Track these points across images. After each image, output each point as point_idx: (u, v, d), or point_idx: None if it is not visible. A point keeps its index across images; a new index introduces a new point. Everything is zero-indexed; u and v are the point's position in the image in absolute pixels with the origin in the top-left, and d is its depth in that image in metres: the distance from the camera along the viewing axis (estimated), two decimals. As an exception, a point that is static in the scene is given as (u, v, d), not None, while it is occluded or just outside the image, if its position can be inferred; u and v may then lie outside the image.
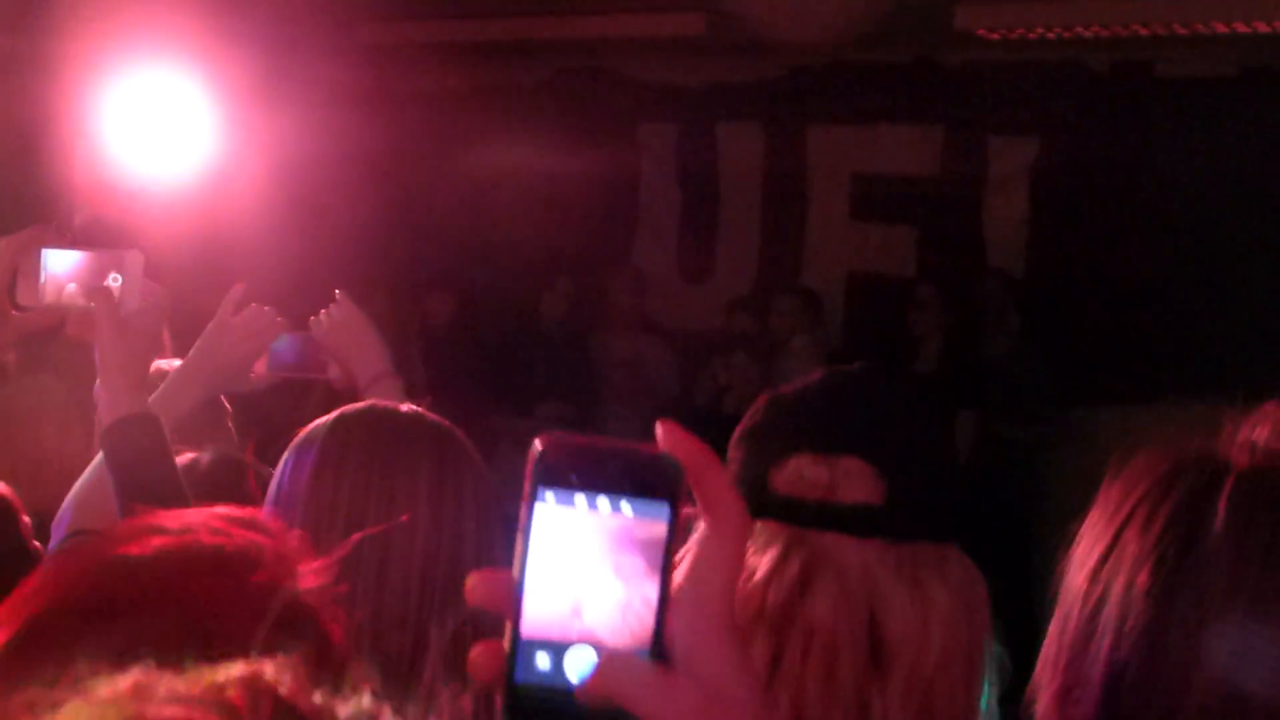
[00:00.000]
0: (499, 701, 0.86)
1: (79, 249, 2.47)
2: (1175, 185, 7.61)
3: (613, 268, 8.43)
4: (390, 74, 8.40)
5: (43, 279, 2.44)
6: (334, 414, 1.98)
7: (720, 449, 4.17)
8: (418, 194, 8.82)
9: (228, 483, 2.44)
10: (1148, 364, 7.65)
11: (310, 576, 1.01)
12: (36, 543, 2.79)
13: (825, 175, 8.40)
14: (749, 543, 1.50)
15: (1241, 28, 6.49)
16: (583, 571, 0.86)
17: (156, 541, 0.98)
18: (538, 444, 0.87)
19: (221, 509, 1.05)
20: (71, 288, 2.46)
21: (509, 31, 7.49)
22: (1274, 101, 7.38)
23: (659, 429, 0.88)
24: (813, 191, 8.45)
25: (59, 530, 2.49)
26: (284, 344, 2.77)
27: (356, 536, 1.61)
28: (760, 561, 1.51)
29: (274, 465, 2.01)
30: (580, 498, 0.86)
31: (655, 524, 0.86)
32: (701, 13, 6.94)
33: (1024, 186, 7.95)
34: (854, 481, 1.55)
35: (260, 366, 2.74)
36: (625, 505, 0.86)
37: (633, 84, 8.65)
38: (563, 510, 0.86)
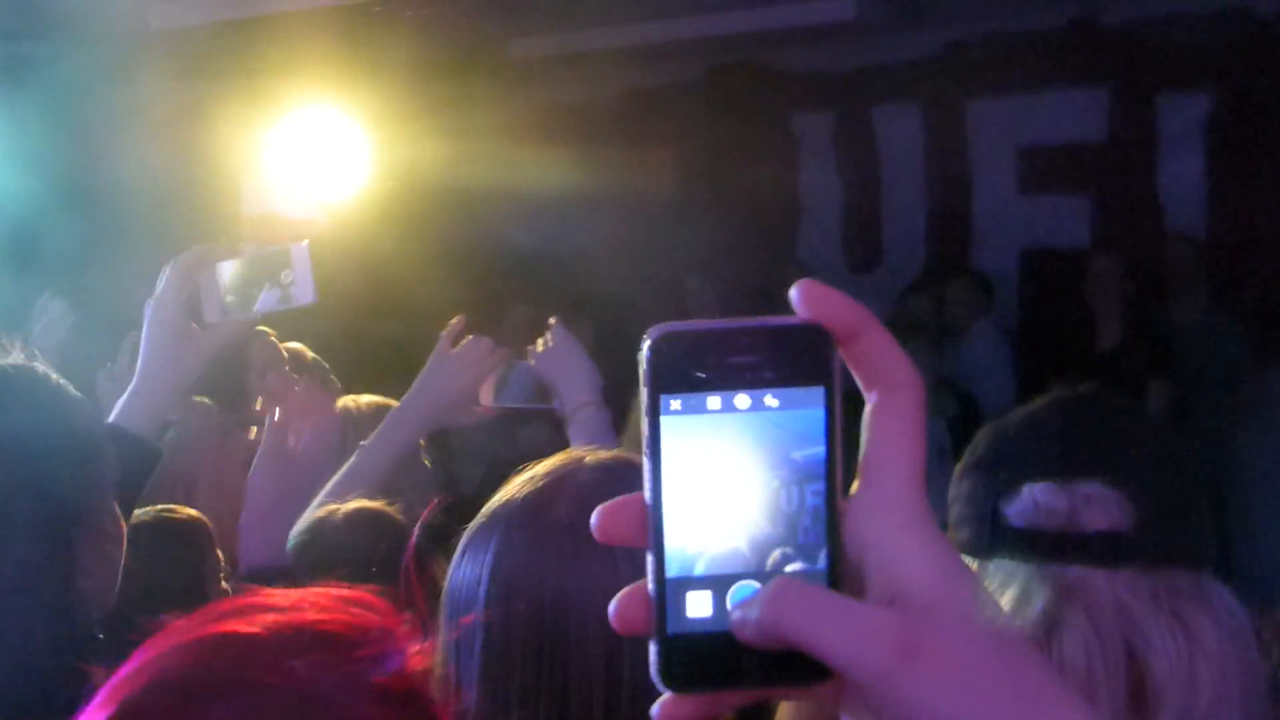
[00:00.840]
0: (653, 658, 0.71)
1: (247, 253, 2.48)
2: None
3: (778, 263, 8.32)
4: (541, 88, 8.43)
5: (222, 291, 2.46)
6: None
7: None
8: (579, 207, 8.83)
9: (363, 541, 2.37)
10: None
11: (418, 658, 0.96)
12: (225, 585, 2.77)
13: (989, 150, 8.21)
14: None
15: None
16: (730, 488, 0.70)
17: (264, 619, 0.94)
18: (648, 341, 0.71)
19: (333, 588, 1.01)
20: (266, 292, 2.46)
21: (658, 33, 7.44)
22: None
23: (797, 291, 0.72)
24: (977, 168, 8.26)
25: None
26: (512, 375, 2.76)
27: (469, 619, 1.57)
28: (1000, 604, 1.38)
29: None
30: (713, 398, 0.71)
31: (810, 414, 0.70)
32: (850, -2, 6.83)
33: (1198, 144, 7.68)
34: (1096, 508, 1.43)
35: (486, 398, 2.72)
36: (770, 397, 0.71)
37: (784, 75, 8.55)
38: (693, 417, 0.70)
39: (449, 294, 7.41)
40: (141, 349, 2.41)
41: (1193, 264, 7.36)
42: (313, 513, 2.53)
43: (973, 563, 1.46)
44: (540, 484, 1.75)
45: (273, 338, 4.07)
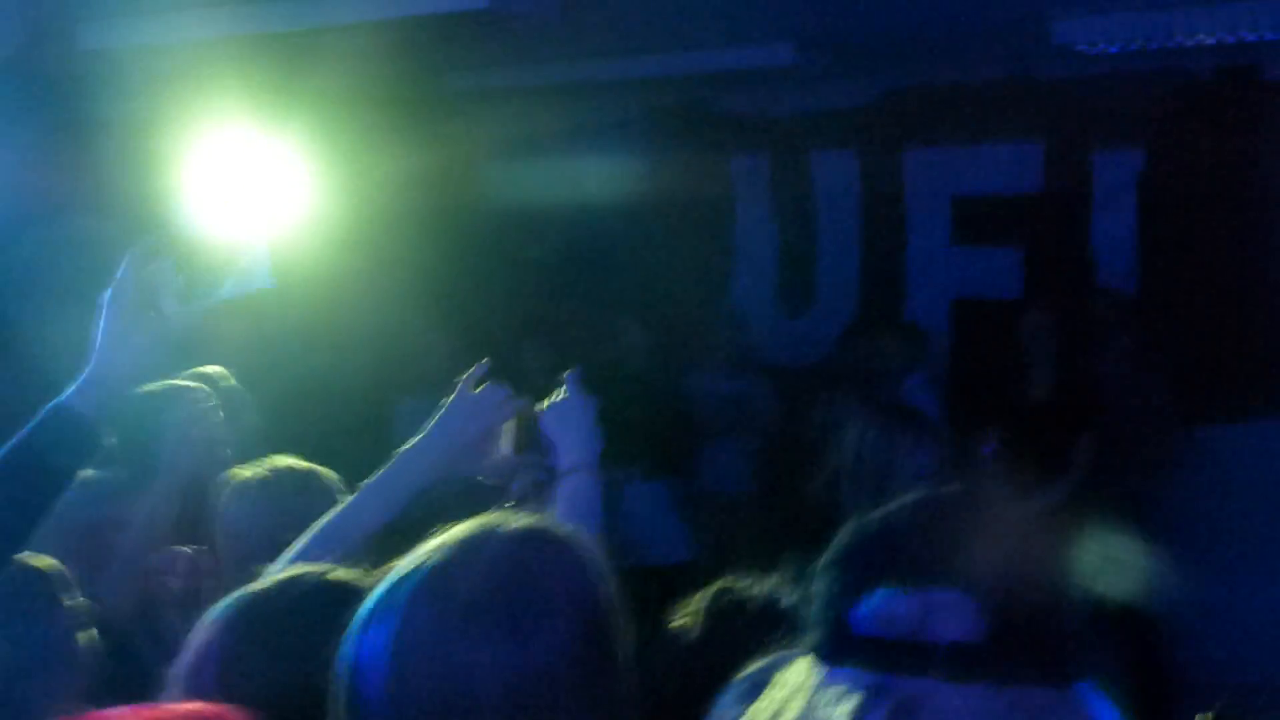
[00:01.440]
0: None
1: (201, 243, 2.55)
2: (1286, 188, 7.40)
3: (711, 305, 8.31)
4: (479, 119, 8.37)
5: (181, 281, 2.46)
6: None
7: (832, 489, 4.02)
8: (514, 232, 8.78)
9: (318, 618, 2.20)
10: (1265, 380, 7.43)
11: None
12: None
13: (925, 199, 8.23)
14: (819, 694, 1.34)
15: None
16: None
17: None
18: None
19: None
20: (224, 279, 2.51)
21: (599, 71, 7.40)
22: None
23: None
24: (913, 217, 8.28)
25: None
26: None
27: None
28: (835, 714, 1.31)
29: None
30: None
31: None
32: (792, 41, 6.81)
33: (1131, 200, 7.74)
34: (949, 616, 1.33)
35: (506, 447, 2.66)
36: None
37: (723, 117, 8.55)
38: None
39: (379, 324, 7.38)
40: (100, 333, 2.38)
41: (1118, 318, 7.42)
42: (276, 571, 2.35)
43: (823, 668, 1.38)
44: (449, 553, 1.69)
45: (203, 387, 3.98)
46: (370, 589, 2.00)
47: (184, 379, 4.27)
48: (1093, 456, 6.98)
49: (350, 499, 2.55)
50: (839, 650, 1.37)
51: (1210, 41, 6.60)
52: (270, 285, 2.52)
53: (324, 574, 2.19)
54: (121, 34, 5.99)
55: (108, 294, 2.41)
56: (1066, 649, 1.37)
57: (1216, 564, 6.87)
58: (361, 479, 2.59)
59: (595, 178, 8.21)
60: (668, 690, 2.43)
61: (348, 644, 1.66)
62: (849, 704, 1.32)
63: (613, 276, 8.55)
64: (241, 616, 2.05)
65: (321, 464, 3.22)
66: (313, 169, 6.61)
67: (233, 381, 4.35)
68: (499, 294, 8.38)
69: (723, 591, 2.67)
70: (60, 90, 6.09)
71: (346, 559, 2.38)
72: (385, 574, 2.26)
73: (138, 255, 2.43)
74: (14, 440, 2.27)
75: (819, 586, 1.45)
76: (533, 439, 2.71)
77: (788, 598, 2.59)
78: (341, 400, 6.94)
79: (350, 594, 2.09)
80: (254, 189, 6.40)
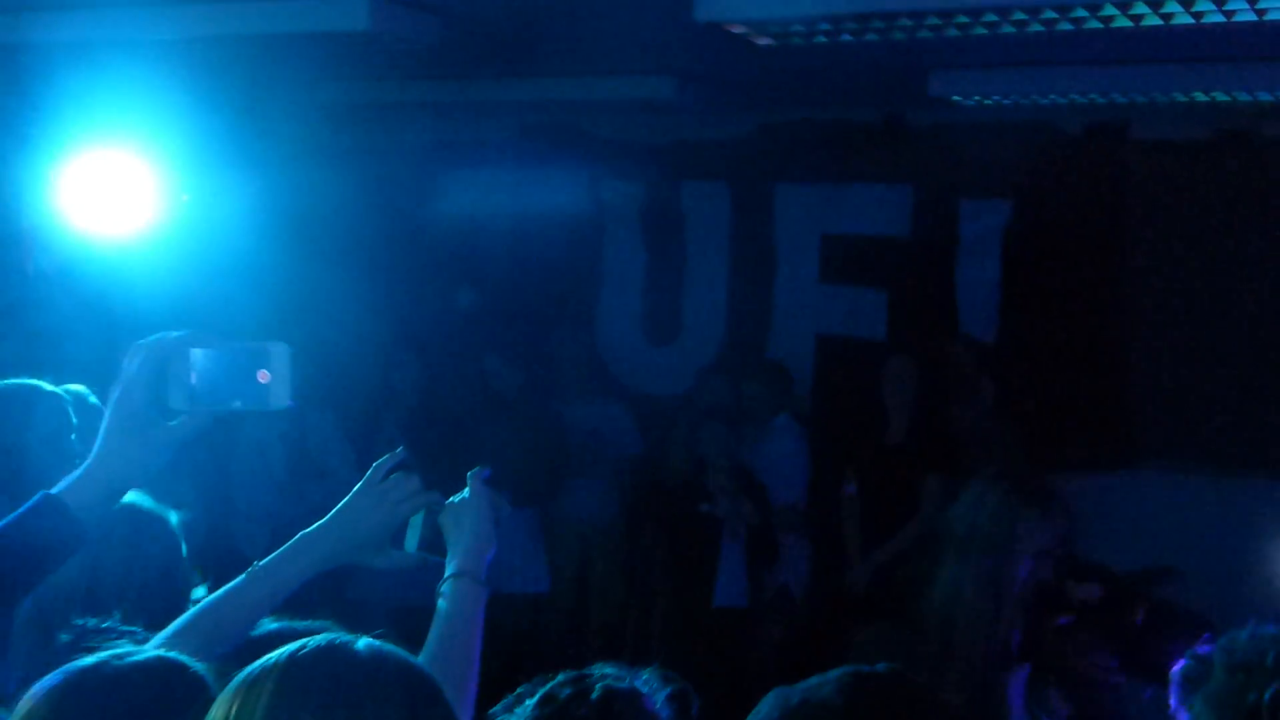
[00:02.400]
0: None
1: (224, 344, 2.35)
2: (1149, 248, 7.54)
3: (573, 329, 8.25)
4: (351, 131, 8.24)
5: (193, 379, 2.32)
6: (284, 655, 1.71)
7: (687, 518, 4.01)
8: (378, 251, 8.65)
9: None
10: (1121, 431, 7.57)
11: None
12: None
13: (794, 235, 8.26)
14: None
15: (1218, 95, 6.40)
16: None
17: None
18: None
19: None
20: (240, 387, 2.34)
21: (476, 92, 7.31)
22: (1247, 165, 7.33)
23: None
24: (781, 252, 8.30)
25: None
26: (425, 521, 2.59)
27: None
28: None
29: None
30: None
31: None
32: (673, 76, 6.78)
33: (996, 249, 7.84)
34: None
35: (410, 543, 2.56)
36: None
37: (597, 141, 8.49)
38: None
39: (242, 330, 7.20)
40: (101, 432, 2.27)
41: (973, 366, 7.52)
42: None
43: None
44: (278, 663, 1.69)
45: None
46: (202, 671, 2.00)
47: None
48: (941, 499, 7.06)
49: (239, 580, 2.44)
50: None
51: (1081, 100, 6.73)
52: (287, 406, 2.36)
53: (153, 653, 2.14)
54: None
55: (116, 391, 2.29)
56: None
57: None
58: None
59: (467, 195, 8.13)
60: None
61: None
62: None
63: (481, 294, 8.45)
64: (70, 691, 1.97)
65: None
66: (183, 177, 6.48)
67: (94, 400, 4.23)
68: (369, 309, 8.24)
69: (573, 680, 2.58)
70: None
71: (227, 641, 2.35)
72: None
73: (151, 351, 2.30)
74: (3, 521, 2.19)
75: None
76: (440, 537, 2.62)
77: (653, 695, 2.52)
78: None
79: (178, 674, 2.05)
80: (122, 197, 6.29)
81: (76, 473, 2.24)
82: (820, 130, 8.01)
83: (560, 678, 2.42)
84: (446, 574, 2.52)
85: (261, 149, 7.53)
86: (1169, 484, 7.41)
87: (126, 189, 6.36)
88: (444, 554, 2.57)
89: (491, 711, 2.43)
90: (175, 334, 2.33)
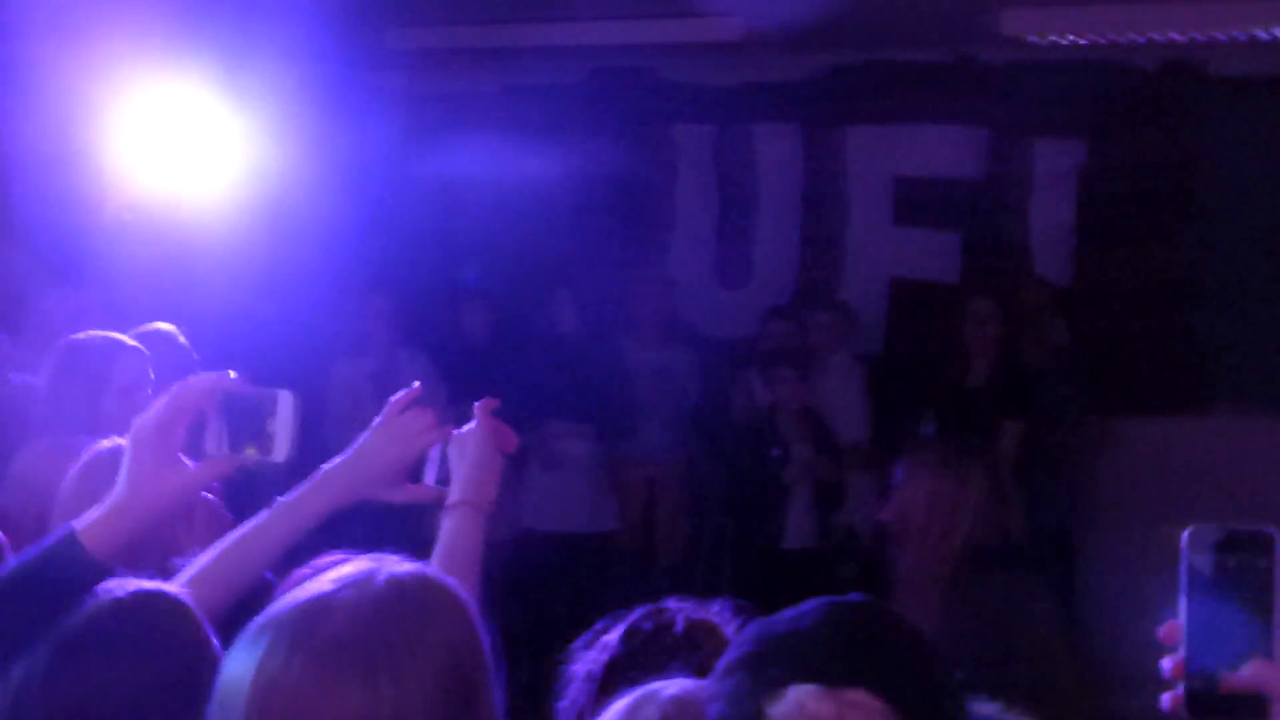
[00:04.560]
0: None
1: (246, 389, 2.34)
2: (1226, 188, 7.44)
3: (642, 273, 8.26)
4: (420, 78, 8.27)
5: (222, 424, 2.31)
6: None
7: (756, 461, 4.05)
8: (445, 198, 8.71)
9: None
10: (1195, 372, 7.51)
11: None
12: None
13: (866, 178, 8.21)
14: None
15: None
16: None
17: None
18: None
19: None
20: (249, 436, 2.34)
21: (542, 36, 7.31)
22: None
23: None
24: (853, 195, 8.27)
25: None
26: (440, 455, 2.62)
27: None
28: None
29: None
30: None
31: None
32: (744, 18, 6.75)
33: (1071, 190, 7.76)
34: (861, 715, 1.45)
35: (429, 476, 2.60)
36: None
37: (667, 85, 8.47)
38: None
39: (319, 283, 7.28)
40: (123, 469, 2.24)
41: (1049, 308, 7.48)
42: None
43: None
44: (323, 590, 1.68)
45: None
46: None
47: (134, 336, 4.25)
48: (1016, 444, 7.05)
49: (262, 515, 2.49)
50: None
51: (1157, 38, 6.63)
52: (286, 459, 2.35)
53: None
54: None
55: (148, 424, 2.26)
56: None
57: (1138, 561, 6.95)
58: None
59: (537, 140, 8.14)
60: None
61: (224, 668, 1.66)
62: None
63: (548, 241, 8.49)
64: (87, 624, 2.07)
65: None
66: (254, 127, 6.56)
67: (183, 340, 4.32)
68: (437, 260, 8.32)
69: (653, 613, 2.64)
70: None
71: (252, 575, 2.40)
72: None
73: (186, 395, 2.29)
74: (23, 557, 2.18)
75: (725, 685, 1.52)
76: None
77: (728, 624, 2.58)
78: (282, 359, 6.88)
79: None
80: (191, 149, 6.38)
81: (101, 509, 2.20)
82: (892, 71, 7.95)
83: (638, 612, 2.46)
84: (448, 503, 2.55)
85: (334, 98, 7.58)
86: (1242, 428, 7.34)
87: (208, 143, 6.46)
88: (438, 482, 2.62)
89: (572, 646, 2.47)
90: (208, 378, 2.32)
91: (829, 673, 1.46)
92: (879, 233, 8.21)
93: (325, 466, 2.52)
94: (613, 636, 2.41)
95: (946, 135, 7.98)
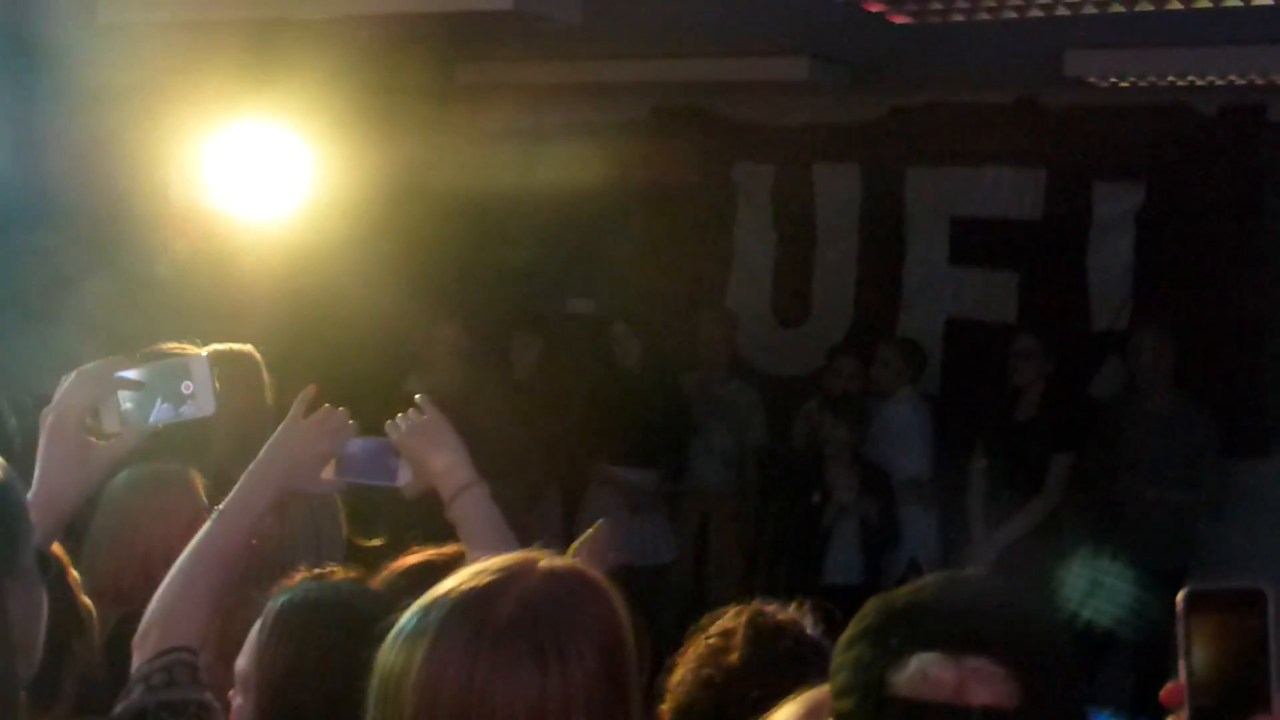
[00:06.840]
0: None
1: (147, 364, 2.52)
2: (1286, 231, 7.45)
3: (705, 308, 8.33)
4: (486, 113, 8.39)
5: (123, 402, 2.48)
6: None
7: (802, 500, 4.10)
8: (507, 232, 8.83)
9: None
10: (1255, 415, 7.50)
11: None
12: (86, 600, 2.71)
13: (924, 217, 8.27)
14: None
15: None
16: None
17: None
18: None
19: None
20: (162, 403, 2.51)
21: (608, 73, 7.41)
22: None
23: None
24: (911, 234, 8.32)
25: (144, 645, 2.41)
26: (355, 448, 2.74)
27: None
28: None
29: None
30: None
31: None
32: (808, 57, 6.83)
33: (1129, 232, 7.78)
34: (984, 683, 1.46)
35: (329, 470, 2.72)
36: None
37: (728, 122, 8.56)
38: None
39: (386, 310, 7.39)
40: (39, 461, 2.40)
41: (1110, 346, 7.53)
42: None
43: None
44: (487, 579, 1.75)
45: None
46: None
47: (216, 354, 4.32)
48: (1064, 475, 7.09)
49: (206, 528, 2.57)
50: (878, 714, 1.47)
51: (1218, 81, 6.66)
52: (211, 413, 2.55)
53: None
54: (137, 10, 5.97)
55: (49, 417, 2.42)
56: (1082, 715, 1.52)
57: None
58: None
59: (599, 176, 8.23)
60: (705, 707, 2.50)
61: (383, 654, 1.72)
62: None
63: (611, 274, 8.59)
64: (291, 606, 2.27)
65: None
66: (322, 157, 6.66)
67: (259, 358, 4.41)
68: (497, 285, 8.42)
69: (758, 615, 2.73)
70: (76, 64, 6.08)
71: (218, 579, 2.50)
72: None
73: (84, 379, 2.45)
74: None
75: (850, 656, 1.54)
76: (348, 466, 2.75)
77: (813, 627, 2.67)
78: (355, 376, 6.99)
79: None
80: (264, 173, 6.49)
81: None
82: (952, 113, 8.01)
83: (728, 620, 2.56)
84: (453, 489, 2.64)
85: (402, 131, 7.71)
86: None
87: (270, 168, 6.57)
88: (381, 479, 2.73)
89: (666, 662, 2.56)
90: (101, 361, 2.48)
91: (950, 641, 1.48)
92: (936, 272, 8.25)
93: (251, 466, 2.64)
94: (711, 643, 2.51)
95: (1005, 176, 8.02)
